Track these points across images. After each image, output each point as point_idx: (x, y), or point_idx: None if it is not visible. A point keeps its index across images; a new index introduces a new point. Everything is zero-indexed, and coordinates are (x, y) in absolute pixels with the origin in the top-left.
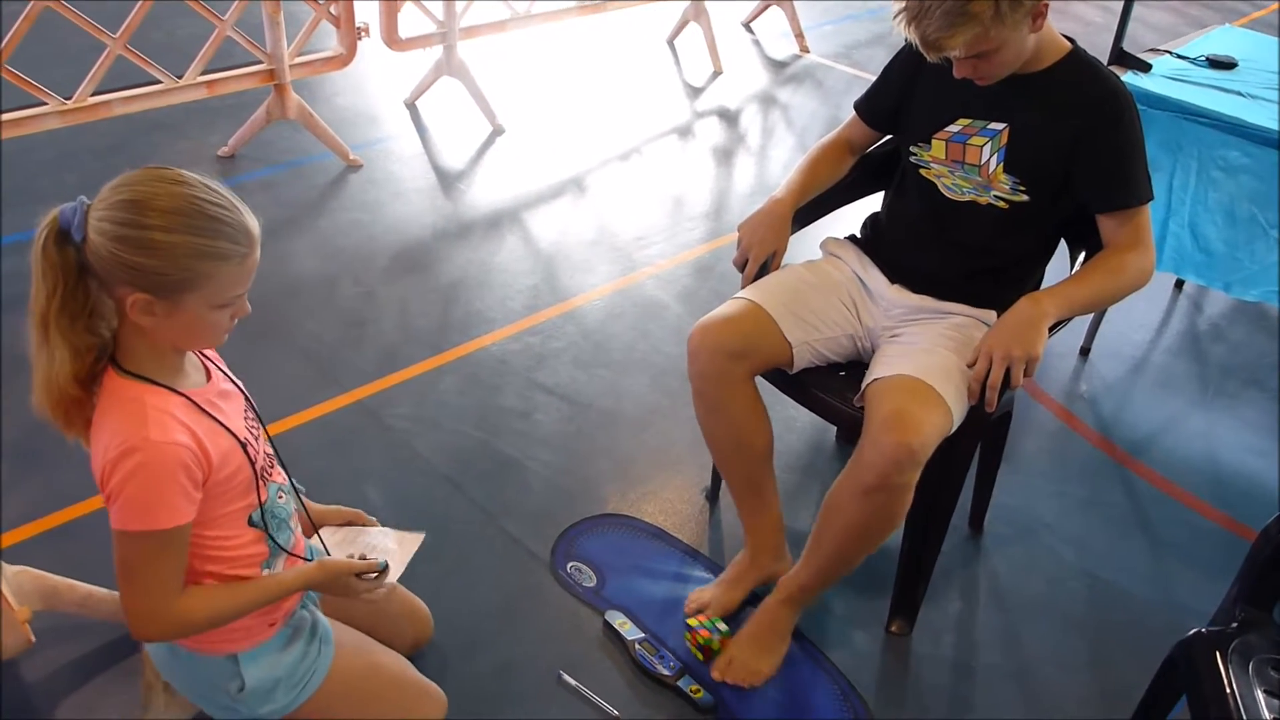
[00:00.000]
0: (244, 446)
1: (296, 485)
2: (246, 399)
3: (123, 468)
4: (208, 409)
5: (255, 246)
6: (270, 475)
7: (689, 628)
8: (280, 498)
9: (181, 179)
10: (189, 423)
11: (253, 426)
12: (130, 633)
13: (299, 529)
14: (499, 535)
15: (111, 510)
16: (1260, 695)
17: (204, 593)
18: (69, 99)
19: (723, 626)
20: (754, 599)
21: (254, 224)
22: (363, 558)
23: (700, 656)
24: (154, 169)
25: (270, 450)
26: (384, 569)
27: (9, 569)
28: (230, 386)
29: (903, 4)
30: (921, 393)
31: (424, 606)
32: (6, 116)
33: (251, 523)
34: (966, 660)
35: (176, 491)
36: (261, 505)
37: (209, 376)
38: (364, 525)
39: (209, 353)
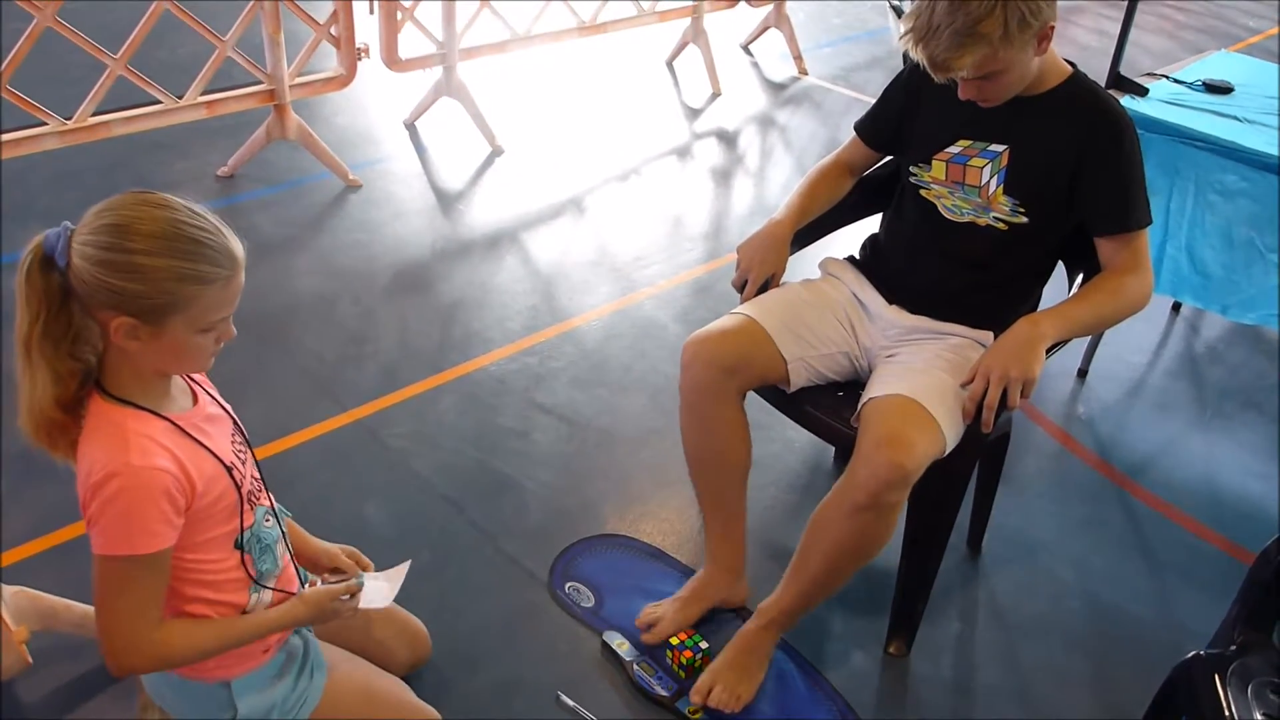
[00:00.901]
0: (229, 471)
1: (279, 509)
2: (234, 422)
3: (104, 492)
4: (193, 433)
5: (239, 270)
6: (257, 499)
7: (671, 647)
8: (267, 521)
9: (165, 203)
10: (172, 447)
11: (240, 450)
12: (107, 666)
13: (287, 555)
14: (497, 555)
15: (92, 534)
16: (1259, 718)
17: (185, 627)
18: (69, 119)
19: (704, 645)
20: (710, 615)
21: (238, 247)
22: (332, 575)
23: (683, 675)
24: (137, 193)
25: (257, 474)
26: (361, 584)
27: (6, 589)
28: (218, 410)
29: (910, 25)
30: (915, 414)
31: (421, 627)
32: (7, 137)
33: (237, 546)
34: (965, 680)
35: (157, 517)
36: (246, 529)
37: (195, 400)
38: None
39: (197, 376)
